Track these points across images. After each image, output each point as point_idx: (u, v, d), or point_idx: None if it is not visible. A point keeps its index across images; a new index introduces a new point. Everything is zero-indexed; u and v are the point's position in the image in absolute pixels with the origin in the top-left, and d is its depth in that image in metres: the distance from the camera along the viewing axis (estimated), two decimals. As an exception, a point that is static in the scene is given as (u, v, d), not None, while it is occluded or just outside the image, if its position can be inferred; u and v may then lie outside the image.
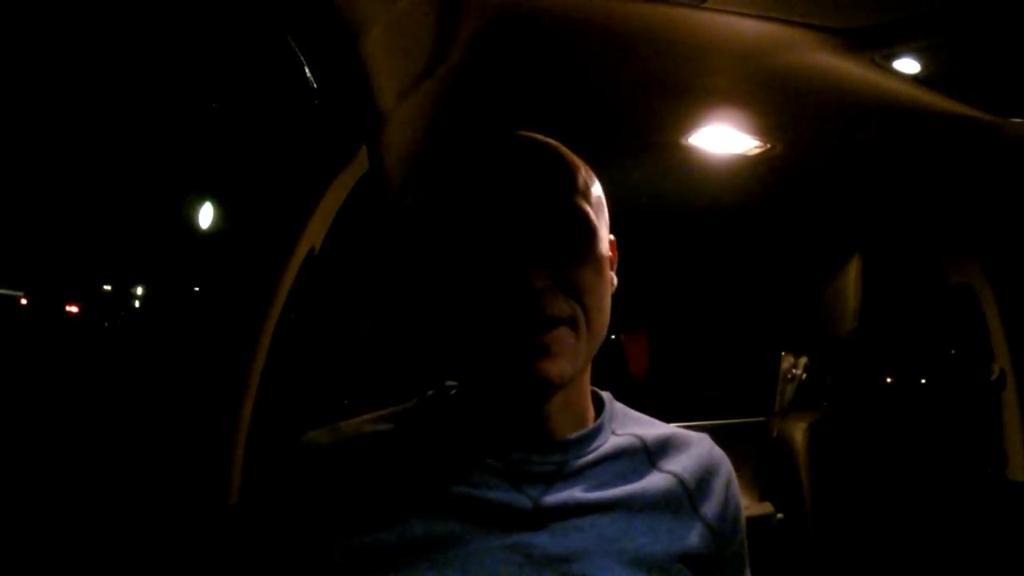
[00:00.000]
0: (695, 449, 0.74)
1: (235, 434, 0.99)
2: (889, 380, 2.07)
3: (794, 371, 1.97)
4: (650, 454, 0.71)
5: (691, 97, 1.27)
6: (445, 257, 0.66)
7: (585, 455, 0.68)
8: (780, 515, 1.76)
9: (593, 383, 0.76)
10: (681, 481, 0.70)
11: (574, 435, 0.69)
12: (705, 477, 0.72)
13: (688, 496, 0.70)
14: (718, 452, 0.76)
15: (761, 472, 1.82)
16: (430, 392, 0.73)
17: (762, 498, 1.81)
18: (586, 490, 0.66)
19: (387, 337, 1.42)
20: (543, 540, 0.62)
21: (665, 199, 1.81)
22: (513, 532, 0.62)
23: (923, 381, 2.09)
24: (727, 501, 0.73)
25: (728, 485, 0.74)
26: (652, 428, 0.75)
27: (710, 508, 0.71)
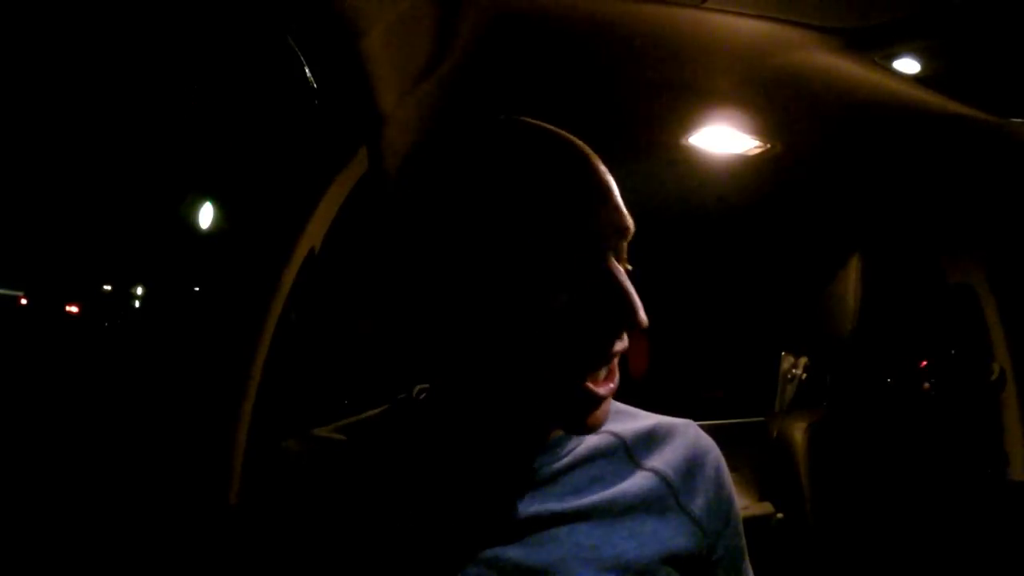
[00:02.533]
0: (679, 440, 0.70)
1: (235, 434, 0.99)
2: (889, 380, 2.07)
3: (794, 371, 1.97)
4: (630, 451, 0.68)
5: (691, 97, 1.27)
6: (504, 277, 0.56)
7: (558, 459, 0.64)
8: (780, 515, 1.76)
9: None
10: (664, 478, 0.67)
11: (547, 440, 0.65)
12: (691, 470, 0.68)
13: (673, 493, 0.66)
14: (704, 440, 0.72)
15: (761, 472, 1.82)
16: (400, 396, 0.70)
17: (762, 498, 1.81)
18: (560, 497, 0.63)
19: (387, 337, 1.42)
20: (517, 552, 0.60)
21: (665, 199, 1.81)
22: (486, 545, 0.60)
23: (923, 381, 2.09)
24: (716, 493, 0.69)
25: (716, 475, 0.70)
26: (632, 422, 0.71)
27: (697, 503, 0.67)
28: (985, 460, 1.84)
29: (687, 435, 0.71)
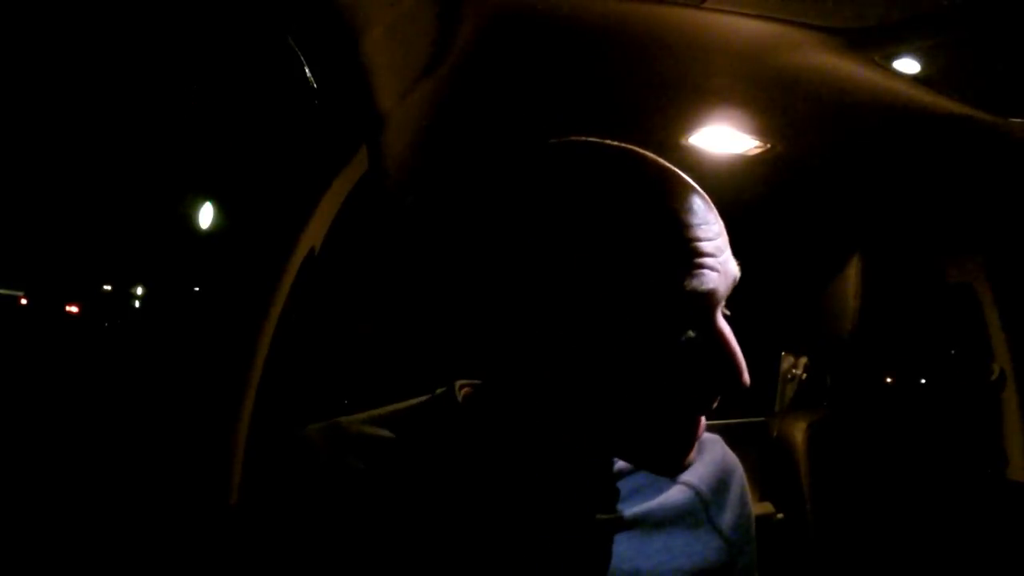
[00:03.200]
0: (709, 455, 0.71)
1: (235, 434, 0.99)
2: (889, 380, 2.07)
3: (794, 371, 1.97)
4: None
5: (691, 97, 1.27)
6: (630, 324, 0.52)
7: (604, 470, 0.65)
8: (780, 515, 1.76)
9: None
10: (697, 492, 0.68)
11: None
12: (720, 486, 0.70)
13: (704, 507, 0.68)
14: (731, 456, 0.74)
15: (761, 472, 1.82)
16: (439, 390, 0.67)
17: (762, 498, 1.81)
18: (604, 507, 0.63)
19: (387, 337, 1.42)
20: (556, 561, 0.59)
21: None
22: (524, 553, 0.59)
23: (923, 381, 2.09)
24: (741, 510, 0.71)
25: (742, 492, 0.72)
26: None
27: (725, 519, 0.69)
28: (985, 460, 1.84)
29: (716, 451, 0.72)
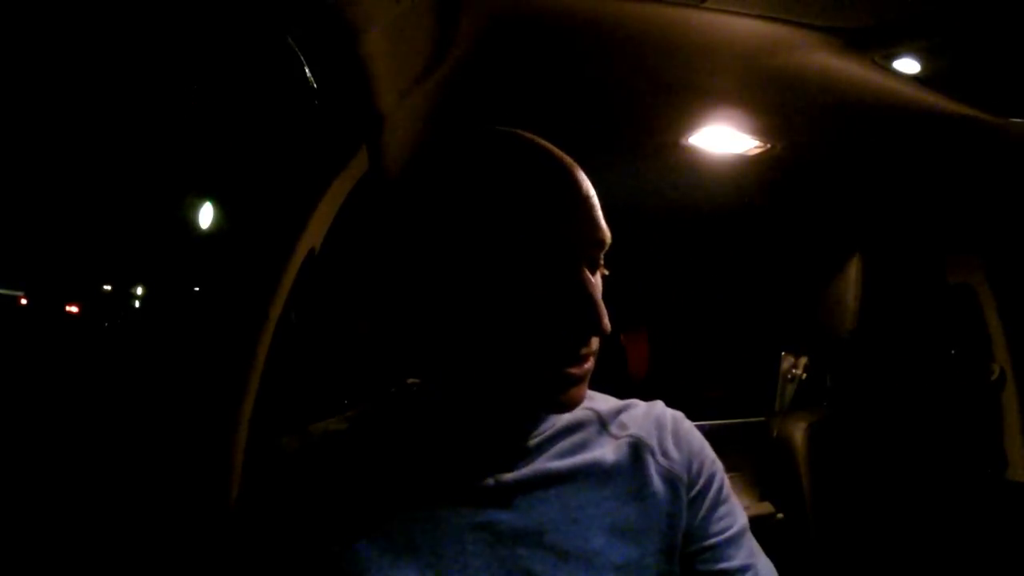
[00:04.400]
0: (647, 411, 0.77)
1: (235, 434, 0.99)
2: (889, 380, 2.07)
3: (794, 371, 1.97)
4: (604, 424, 0.74)
5: (691, 97, 1.27)
6: (494, 274, 0.61)
7: (542, 431, 0.70)
8: (780, 515, 1.76)
9: (593, 383, 0.76)
10: (640, 440, 0.72)
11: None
12: (662, 432, 0.74)
13: (650, 452, 0.72)
14: (670, 410, 0.78)
15: (761, 472, 1.82)
16: (392, 390, 0.74)
17: (762, 498, 1.81)
18: (546, 462, 0.68)
19: (384, 335, 1.42)
20: (510, 516, 0.64)
21: (665, 199, 1.81)
22: (480, 511, 0.64)
23: (923, 381, 2.09)
24: (688, 443, 0.75)
25: (686, 430, 0.76)
26: (606, 402, 0.77)
27: (671, 455, 0.73)
28: (985, 460, 1.84)
29: (654, 407, 0.78)
